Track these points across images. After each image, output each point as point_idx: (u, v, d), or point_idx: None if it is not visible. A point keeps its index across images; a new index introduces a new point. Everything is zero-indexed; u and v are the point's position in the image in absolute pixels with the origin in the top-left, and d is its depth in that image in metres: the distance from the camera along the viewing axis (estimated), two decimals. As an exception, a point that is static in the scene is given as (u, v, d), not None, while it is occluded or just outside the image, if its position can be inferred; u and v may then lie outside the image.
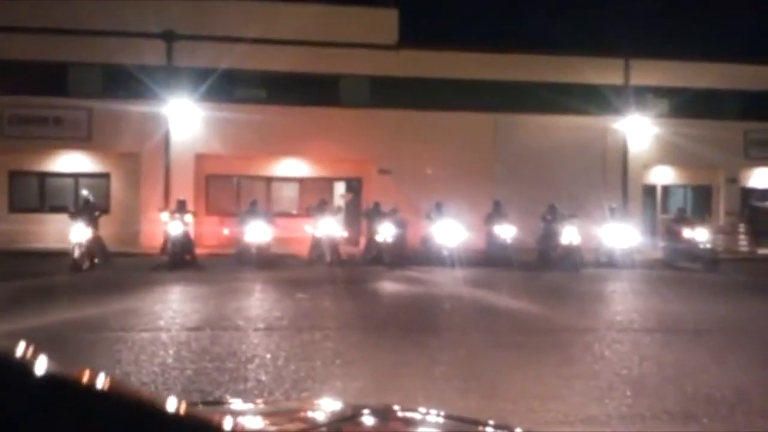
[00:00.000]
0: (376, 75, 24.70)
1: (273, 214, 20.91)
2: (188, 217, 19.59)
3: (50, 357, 1.00)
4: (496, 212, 20.66)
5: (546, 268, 18.67)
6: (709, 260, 19.56)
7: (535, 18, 30.32)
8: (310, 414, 2.45)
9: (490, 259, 19.47)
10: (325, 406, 2.65)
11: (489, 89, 25.08)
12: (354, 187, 26.04)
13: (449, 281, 16.11)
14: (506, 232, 20.16)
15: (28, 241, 22.31)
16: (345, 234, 21.62)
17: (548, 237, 19.76)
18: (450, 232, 19.60)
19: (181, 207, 19.69)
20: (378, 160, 24.42)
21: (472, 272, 17.36)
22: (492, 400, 6.29)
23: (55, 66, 23.38)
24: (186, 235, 19.18)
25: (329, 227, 19.76)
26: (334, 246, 19.64)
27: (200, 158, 24.21)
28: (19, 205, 24.27)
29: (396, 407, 2.50)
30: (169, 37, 23.41)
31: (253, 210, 20.14)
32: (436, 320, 10.86)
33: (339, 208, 22.00)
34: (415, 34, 25.04)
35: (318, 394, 6.32)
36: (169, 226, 19.01)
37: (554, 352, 8.46)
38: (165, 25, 23.22)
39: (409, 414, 2.52)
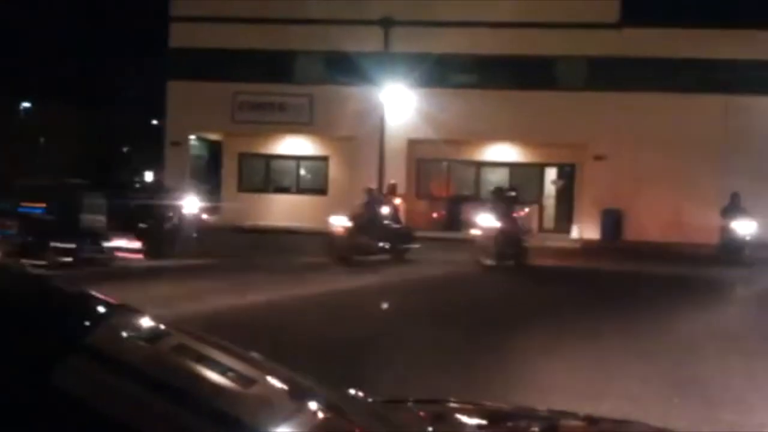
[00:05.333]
0: (595, 55, 23.46)
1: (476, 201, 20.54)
2: (397, 200, 19.86)
3: None
4: (734, 205, 18.48)
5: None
6: None
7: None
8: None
9: (725, 257, 17.45)
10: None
11: (721, 69, 22.97)
12: (567, 173, 25.14)
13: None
14: (745, 228, 18.13)
15: (253, 219, 23.84)
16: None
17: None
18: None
19: (392, 191, 20.03)
20: (594, 145, 23.33)
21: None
22: None
23: (280, 54, 24.76)
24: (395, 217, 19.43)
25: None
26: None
27: (412, 143, 24.56)
28: (246, 186, 26.16)
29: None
30: (386, 23, 23.89)
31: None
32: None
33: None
34: (638, 11, 23.37)
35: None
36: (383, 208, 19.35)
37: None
38: (382, 12, 23.73)
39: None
